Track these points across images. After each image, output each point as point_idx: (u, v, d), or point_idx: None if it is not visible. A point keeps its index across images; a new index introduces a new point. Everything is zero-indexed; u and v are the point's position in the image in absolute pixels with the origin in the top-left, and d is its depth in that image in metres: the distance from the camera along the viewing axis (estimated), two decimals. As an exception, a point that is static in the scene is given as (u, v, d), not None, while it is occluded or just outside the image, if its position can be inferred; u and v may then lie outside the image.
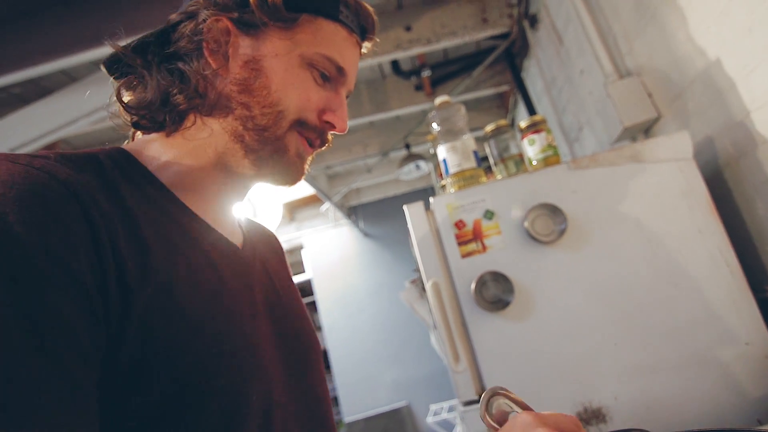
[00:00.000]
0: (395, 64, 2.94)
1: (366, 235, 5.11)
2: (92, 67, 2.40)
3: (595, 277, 1.18)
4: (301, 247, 5.13)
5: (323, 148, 0.66)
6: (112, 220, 0.46)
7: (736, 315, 1.13)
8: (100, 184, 0.48)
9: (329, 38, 0.61)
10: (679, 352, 1.12)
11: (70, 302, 0.40)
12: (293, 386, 0.60)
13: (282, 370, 0.58)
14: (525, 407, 0.46)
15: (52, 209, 0.41)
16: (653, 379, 1.12)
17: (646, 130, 1.69)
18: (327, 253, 5.04)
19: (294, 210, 5.18)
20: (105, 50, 2.02)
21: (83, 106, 2.18)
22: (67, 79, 2.46)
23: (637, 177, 1.23)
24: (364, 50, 0.69)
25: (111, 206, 0.47)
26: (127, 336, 0.43)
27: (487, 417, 0.46)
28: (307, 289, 5.00)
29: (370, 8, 0.66)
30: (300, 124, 0.60)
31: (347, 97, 0.67)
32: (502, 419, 0.46)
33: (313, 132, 0.62)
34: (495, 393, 0.46)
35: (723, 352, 1.11)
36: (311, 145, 0.63)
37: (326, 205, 4.80)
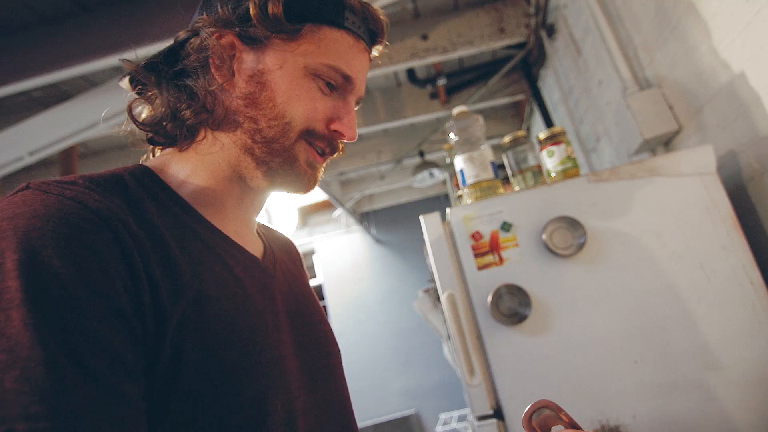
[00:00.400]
0: (411, 73, 2.94)
1: (378, 241, 5.09)
2: (112, 72, 2.43)
3: (614, 293, 1.16)
4: (312, 252, 5.13)
5: (334, 156, 0.66)
6: (142, 241, 0.47)
7: (760, 334, 1.10)
8: (128, 205, 0.50)
9: (334, 47, 0.60)
10: (700, 371, 1.09)
11: (110, 328, 0.42)
12: (315, 393, 0.60)
13: (304, 377, 0.59)
14: (573, 424, 0.45)
15: (87, 240, 0.43)
16: (673, 398, 1.09)
17: (666, 142, 1.66)
18: (338, 259, 5.03)
19: (306, 215, 5.19)
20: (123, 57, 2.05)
21: (102, 111, 2.20)
22: (87, 84, 2.49)
23: (658, 191, 1.20)
24: (374, 53, 0.68)
25: (140, 227, 0.49)
26: (163, 352, 0.45)
27: (527, 424, 0.46)
28: (318, 293, 4.98)
29: (379, 11, 0.65)
30: (308, 134, 0.60)
31: (358, 103, 0.66)
32: (544, 429, 0.45)
33: (322, 141, 0.62)
34: (543, 406, 0.45)
35: (744, 373, 1.08)
36: (321, 153, 0.63)
37: (339, 211, 4.80)
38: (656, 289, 1.15)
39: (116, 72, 2.42)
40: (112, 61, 2.07)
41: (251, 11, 0.56)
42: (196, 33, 0.59)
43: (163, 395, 0.45)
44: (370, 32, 0.64)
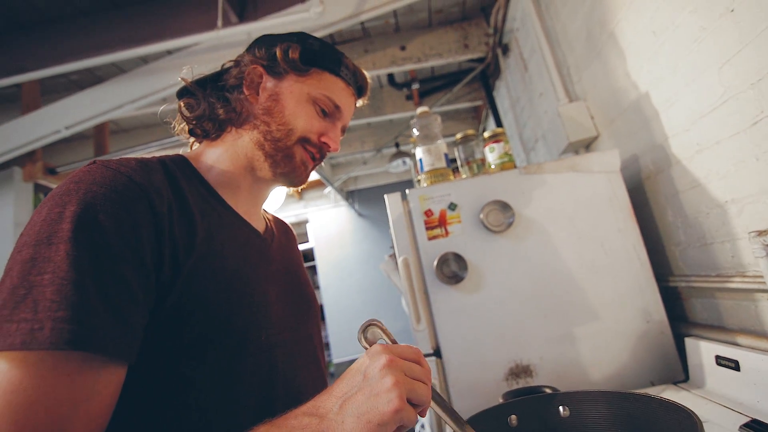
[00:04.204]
0: (391, 77, 2.90)
1: (360, 215, 5.10)
2: (138, 62, 2.34)
3: (533, 262, 1.19)
4: (306, 221, 5.11)
5: (321, 163, 0.74)
6: (173, 210, 0.53)
7: (642, 299, 1.15)
8: (168, 182, 0.56)
9: (331, 86, 0.70)
10: (594, 326, 1.14)
11: (131, 269, 0.46)
12: (295, 332, 0.65)
13: (288, 320, 0.64)
14: (392, 339, 0.49)
15: (128, 205, 0.48)
16: (572, 346, 1.13)
17: (587, 145, 1.69)
18: (327, 228, 5.02)
19: (303, 191, 5.13)
20: (149, 48, 1.98)
21: (129, 94, 2.13)
22: (117, 70, 2.40)
23: (573, 184, 1.23)
24: (359, 103, 0.77)
25: (175, 199, 0.55)
26: (174, 289, 0.50)
27: (363, 340, 0.48)
28: (309, 255, 4.99)
29: (366, 75, 0.76)
30: (304, 140, 0.68)
31: (343, 131, 0.75)
32: (374, 341, 0.49)
33: (314, 147, 0.70)
34: (371, 324, 0.48)
35: (628, 327, 1.13)
36: (313, 158, 0.71)
37: (329, 189, 4.77)
38: (566, 260, 1.18)
39: (142, 61, 2.34)
40: (139, 51, 2.00)
41: (277, 54, 0.68)
42: (237, 64, 0.70)
43: (176, 322, 0.49)
44: (358, 86, 0.75)
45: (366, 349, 0.47)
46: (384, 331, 0.48)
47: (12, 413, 0.37)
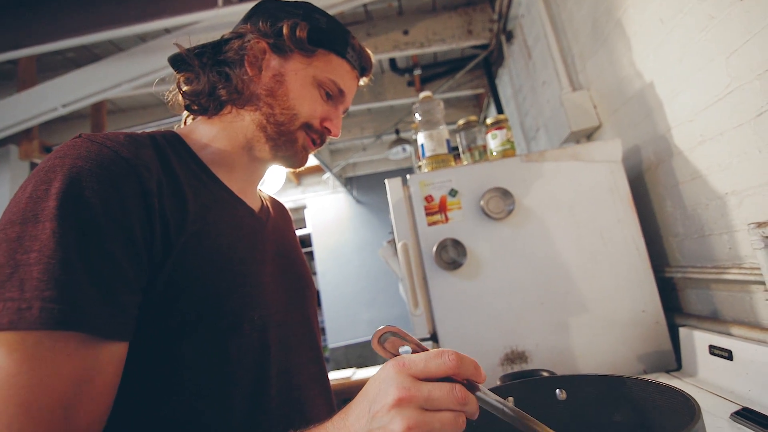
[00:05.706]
0: (393, 62, 2.87)
1: (358, 201, 5.09)
2: (136, 40, 2.30)
3: (532, 250, 1.19)
4: (304, 207, 5.11)
5: (321, 146, 0.72)
6: (163, 186, 0.51)
7: (639, 289, 1.16)
8: (158, 158, 0.54)
9: (336, 68, 0.68)
10: (590, 314, 1.15)
11: (120, 247, 0.45)
12: (291, 314, 0.65)
13: (282, 301, 0.63)
14: (417, 346, 0.42)
15: (114, 180, 0.46)
16: (567, 334, 1.15)
17: (589, 135, 1.68)
18: (325, 214, 5.02)
19: (301, 176, 5.12)
20: (147, 26, 1.94)
21: (127, 73, 2.09)
22: (115, 48, 2.36)
23: (574, 173, 1.22)
24: (361, 83, 0.76)
25: (165, 175, 0.53)
26: (166, 268, 0.48)
27: (379, 346, 0.42)
28: (306, 241, 5.00)
29: (371, 54, 0.74)
30: (307, 126, 0.67)
31: (344, 113, 0.73)
32: (394, 350, 0.43)
33: (315, 133, 0.68)
34: (388, 331, 0.42)
35: (623, 317, 1.14)
36: (313, 143, 0.69)
37: (327, 175, 4.76)
38: (564, 249, 1.19)
39: (140, 39, 2.29)
40: (136, 29, 1.96)
41: (284, 30, 0.64)
42: (239, 36, 0.65)
43: (168, 301, 0.48)
44: (362, 67, 0.73)
45: (388, 356, 0.41)
46: (405, 337, 0.41)
47: (16, 395, 0.37)
